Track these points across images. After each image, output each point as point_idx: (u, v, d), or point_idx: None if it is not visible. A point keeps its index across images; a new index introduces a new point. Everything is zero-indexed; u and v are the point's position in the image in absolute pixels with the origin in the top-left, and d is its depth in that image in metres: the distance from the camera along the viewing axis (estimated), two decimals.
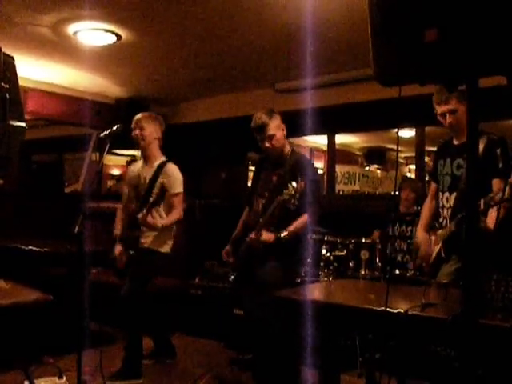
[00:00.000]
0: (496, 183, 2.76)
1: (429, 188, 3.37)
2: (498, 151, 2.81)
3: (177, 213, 3.69)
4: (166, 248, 3.77)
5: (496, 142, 2.82)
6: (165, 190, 3.51)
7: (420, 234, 3.21)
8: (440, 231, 3.03)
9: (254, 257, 3.31)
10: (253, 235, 3.19)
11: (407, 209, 4.51)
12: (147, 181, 3.72)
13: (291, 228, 3.18)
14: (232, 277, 3.45)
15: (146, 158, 3.85)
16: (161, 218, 3.68)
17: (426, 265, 3.19)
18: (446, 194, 3.04)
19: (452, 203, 2.99)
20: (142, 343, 3.65)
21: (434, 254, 3.05)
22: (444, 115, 2.92)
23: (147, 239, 3.72)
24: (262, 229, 3.16)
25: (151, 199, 3.57)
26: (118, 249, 3.73)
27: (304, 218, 3.20)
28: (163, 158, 3.82)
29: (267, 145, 3.32)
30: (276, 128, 3.31)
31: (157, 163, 3.77)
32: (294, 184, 2.98)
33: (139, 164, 3.93)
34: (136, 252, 3.66)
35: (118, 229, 3.87)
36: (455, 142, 3.04)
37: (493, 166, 2.77)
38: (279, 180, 3.28)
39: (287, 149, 3.41)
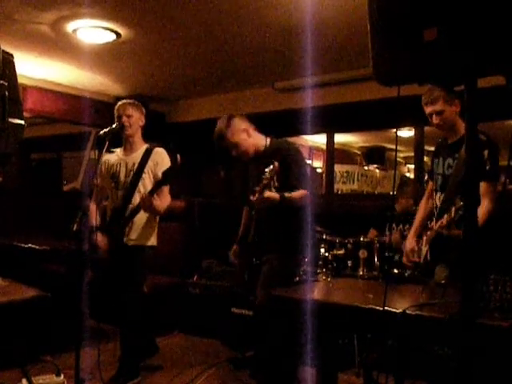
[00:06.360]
0: (483, 186, 2.64)
1: (427, 186, 3.35)
2: (486, 153, 2.70)
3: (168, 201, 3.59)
4: (152, 241, 3.62)
5: (483, 144, 2.70)
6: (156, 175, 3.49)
7: (409, 241, 3.13)
8: (429, 232, 3.00)
9: (260, 251, 3.28)
10: (255, 196, 3.08)
11: (404, 210, 4.49)
12: (135, 166, 3.57)
13: (292, 193, 3.13)
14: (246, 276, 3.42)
15: (130, 146, 3.66)
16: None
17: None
18: (439, 194, 3.02)
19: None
20: (139, 342, 3.63)
21: (423, 256, 3.02)
22: (431, 116, 2.89)
23: (133, 234, 3.55)
24: (264, 191, 3.05)
25: (141, 182, 3.51)
26: (100, 238, 3.48)
27: (302, 191, 3.16)
28: (147, 145, 3.67)
29: (234, 153, 3.31)
30: (235, 134, 3.25)
31: (143, 148, 3.63)
32: (267, 169, 3.00)
33: (116, 154, 3.72)
34: (123, 250, 3.52)
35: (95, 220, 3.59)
36: (449, 142, 3.01)
37: (480, 168, 2.60)
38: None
39: (263, 143, 3.35)
